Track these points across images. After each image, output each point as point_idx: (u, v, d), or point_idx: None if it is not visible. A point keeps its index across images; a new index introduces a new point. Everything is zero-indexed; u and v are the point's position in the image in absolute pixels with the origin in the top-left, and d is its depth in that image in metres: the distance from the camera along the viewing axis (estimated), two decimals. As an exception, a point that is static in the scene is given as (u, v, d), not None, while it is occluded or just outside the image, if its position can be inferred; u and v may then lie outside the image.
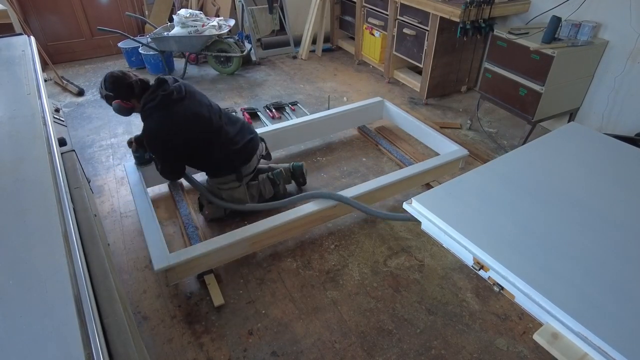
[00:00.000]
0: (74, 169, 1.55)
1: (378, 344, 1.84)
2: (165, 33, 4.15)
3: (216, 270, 2.13)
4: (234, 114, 2.57)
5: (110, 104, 2.12)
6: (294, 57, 4.92)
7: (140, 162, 2.50)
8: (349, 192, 2.33)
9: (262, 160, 2.58)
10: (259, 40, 4.82)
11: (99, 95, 2.32)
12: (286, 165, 2.68)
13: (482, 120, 3.57)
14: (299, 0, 4.97)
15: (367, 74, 4.48)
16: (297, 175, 2.67)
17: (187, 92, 2.17)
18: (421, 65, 3.72)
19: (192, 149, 2.20)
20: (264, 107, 3.74)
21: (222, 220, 2.47)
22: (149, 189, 2.50)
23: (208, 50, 4.23)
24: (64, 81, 4.05)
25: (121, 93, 2.08)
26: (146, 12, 4.89)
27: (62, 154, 1.51)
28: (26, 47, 2.17)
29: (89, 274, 1.02)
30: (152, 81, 2.17)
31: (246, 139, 2.36)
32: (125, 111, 2.13)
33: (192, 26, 4.07)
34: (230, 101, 3.90)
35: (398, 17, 3.77)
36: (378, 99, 3.35)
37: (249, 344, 1.84)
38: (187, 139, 2.15)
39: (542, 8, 3.19)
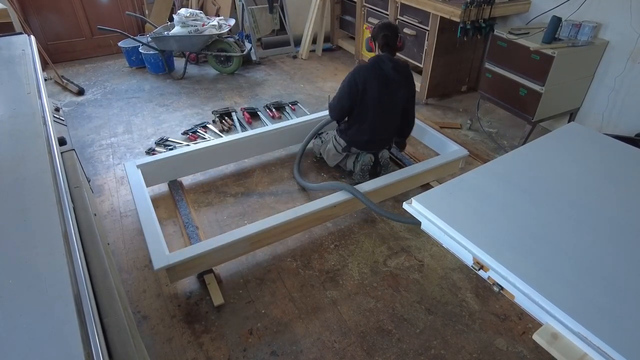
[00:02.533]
0: (74, 168, 1.55)
1: (377, 343, 1.84)
2: (165, 32, 4.15)
3: (216, 270, 2.13)
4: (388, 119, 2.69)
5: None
6: (294, 57, 4.92)
7: None
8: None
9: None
10: (259, 39, 4.82)
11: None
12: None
13: (482, 120, 3.57)
14: (299, 0, 4.97)
15: (367, 74, 4.47)
16: (375, 164, 2.76)
17: (388, 79, 2.50)
18: (421, 65, 3.72)
19: (352, 102, 2.57)
20: (264, 107, 3.74)
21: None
22: (149, 189, 2.49)
23: (208, 49, 4.23)
24: (64, 80, 4.05)
25: (374, 33, 2.55)
26: (146, 12, 4.89)
27: (62, 153, 1.51)
28: (26, 46, 2.17)
29: (88, 274, 1.02)
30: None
31: (375, 141, 2.66)
32: (367, 46, 2.62)
33: (192, 25, 4.07)
34: (230, 101, 3.90)
35: (398, 17, 3.77)
36: (378, 98, 3.35)
37: (248, 343, 1.84)
38: (355, 93, 2.52)
39: (543, 8, 3.19)
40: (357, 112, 2.58)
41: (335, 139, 2.76)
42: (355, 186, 2.34)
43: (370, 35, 2.58)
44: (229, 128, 3.41)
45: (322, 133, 2.94)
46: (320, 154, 2.92)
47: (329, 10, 4.91)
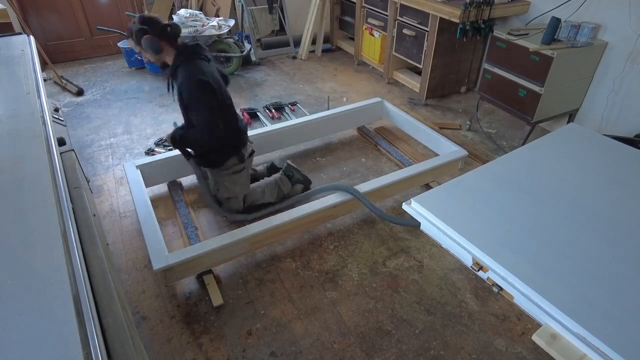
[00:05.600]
0: (73, 168, 1.55)
1: (377, 344, 1.84)
2: (165, 33, 4.15)
3: (215, 270, 2.12)
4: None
5: (139, 41, 2.06)
6: (294, 58, 4.92)
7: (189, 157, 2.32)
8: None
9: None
10: (258, 40, 4.81)
11: (129, 34, 2.12)
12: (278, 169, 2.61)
13: (481, 121, 3.58)
14: (299, 0, 4.98)
15: (366, 75, 4.48)
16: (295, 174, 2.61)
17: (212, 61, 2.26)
18: (421, 66, 3.72)
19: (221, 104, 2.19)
20: (263, 107, 3.74)
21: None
22: (148, 189, 2.49)
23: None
24: (63, 81, 4.05)
25: (154, 30, 2.07)
26: (146, 12, 4.89)
27: (61, 153, 1.51)
28: (26, 46, 2.17)
29: (87, 274, 1.02)
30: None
31: (240, 121, 2.46)
32: (156, 46, 2.07)
33: (191, 26, 4.07)
34: (230, 101, 3.90)
35: (398, 17, 3.77)
36: (377, 99, 3.35)
37: (247, 344, 1.84)
38: (218, 95, 2.14)
39: (542, 9, 3.20)
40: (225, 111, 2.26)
41: (222, 174, 2.33)
42: (354, 187, 2.34)
43: (145, 36, 2.05)
44: (229, 128, 3.41)
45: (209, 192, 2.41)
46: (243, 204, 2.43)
47: (329, 11, 4.91)
